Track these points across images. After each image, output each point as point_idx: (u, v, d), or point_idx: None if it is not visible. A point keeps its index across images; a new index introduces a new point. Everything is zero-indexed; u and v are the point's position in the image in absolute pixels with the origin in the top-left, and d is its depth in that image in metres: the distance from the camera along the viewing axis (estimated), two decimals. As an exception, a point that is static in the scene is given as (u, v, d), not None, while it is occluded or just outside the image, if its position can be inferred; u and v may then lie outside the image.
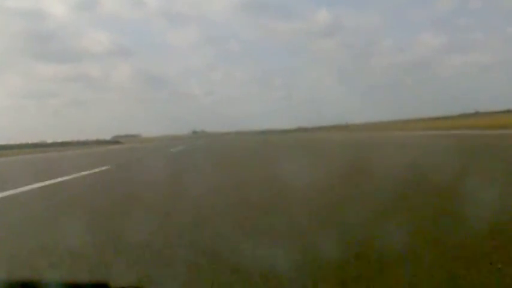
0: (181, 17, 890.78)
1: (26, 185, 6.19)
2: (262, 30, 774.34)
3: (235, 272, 1.90)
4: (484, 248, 2.09)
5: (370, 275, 1.82)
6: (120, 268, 2.10)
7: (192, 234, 2.68)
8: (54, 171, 10.11)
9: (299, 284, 1.77)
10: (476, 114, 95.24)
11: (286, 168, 7.55)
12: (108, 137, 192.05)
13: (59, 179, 7.07)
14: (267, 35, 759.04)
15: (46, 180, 6.86)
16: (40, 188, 5.90)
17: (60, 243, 2.65)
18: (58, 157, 22.46)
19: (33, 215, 3.83)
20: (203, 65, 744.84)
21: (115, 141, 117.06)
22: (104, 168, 9.63)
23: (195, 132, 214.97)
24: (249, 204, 3.77)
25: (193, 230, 2.78)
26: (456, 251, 2.07)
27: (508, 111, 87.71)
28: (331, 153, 12.55)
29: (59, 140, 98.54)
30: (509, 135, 14.74)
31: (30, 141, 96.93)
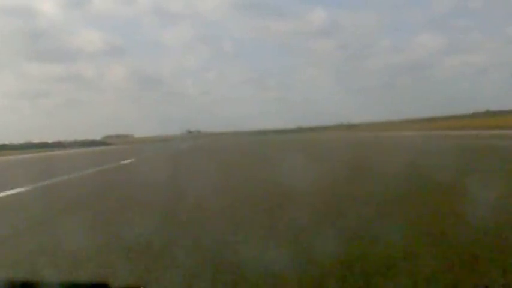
0: (174, 15, 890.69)
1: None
2: (257, 28, 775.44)
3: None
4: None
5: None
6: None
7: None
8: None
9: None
10: (487, 113, 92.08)
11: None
12: (98, 137, 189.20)
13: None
14: (262, 33, 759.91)
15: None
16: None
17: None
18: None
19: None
20: (197, 64, 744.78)
21: (102, 142, 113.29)
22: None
23: (189, 132, 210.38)
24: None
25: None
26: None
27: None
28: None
29: (44, 140, 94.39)
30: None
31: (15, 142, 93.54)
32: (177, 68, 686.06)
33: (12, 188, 7.48)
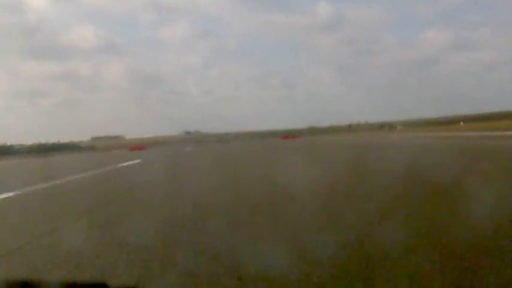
0: (173, 10, 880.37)
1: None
2: (260, 23, 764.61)
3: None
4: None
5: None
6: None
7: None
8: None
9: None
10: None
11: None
12: (86, 138, 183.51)
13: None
14: (265, 28, 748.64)
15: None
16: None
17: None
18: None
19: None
20: (198, 61, 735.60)
21: (76, 146, 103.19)
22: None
23: (188, 133, 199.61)
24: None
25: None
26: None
27: None
28: None
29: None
30: None
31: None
32: (177, 65, 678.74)
33: None
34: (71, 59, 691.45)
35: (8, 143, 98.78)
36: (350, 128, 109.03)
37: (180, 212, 5.43)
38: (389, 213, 4.48)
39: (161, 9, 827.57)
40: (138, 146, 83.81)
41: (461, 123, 62.45)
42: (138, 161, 22.66)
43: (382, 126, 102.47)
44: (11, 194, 9.10)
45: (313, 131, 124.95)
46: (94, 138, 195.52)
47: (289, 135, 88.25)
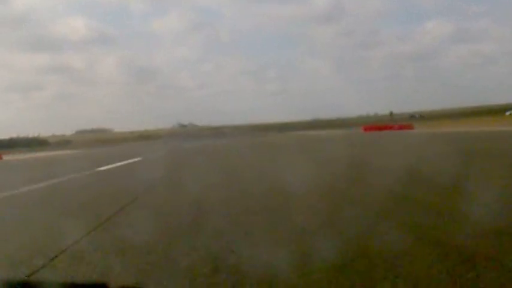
0: (166, 0, 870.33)
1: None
2: (256, 15, 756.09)
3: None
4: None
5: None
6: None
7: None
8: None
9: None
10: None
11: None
12: (72, 131, 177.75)
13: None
14: (261, 20, 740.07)
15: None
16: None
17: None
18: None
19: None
20: (192, 54, 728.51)
21: (42, 141, 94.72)
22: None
23: (182, 126, 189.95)
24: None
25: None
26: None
27: None
28: None
29: None
30: None
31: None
32: (171, 58, 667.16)
33: None
34: (62, 52, 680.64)
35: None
36: (392, 118, 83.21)
37: None
38: None
39: (154, 0, 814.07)
40: None
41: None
42: None
43: (411, 117, 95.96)
44: None
45: (320, 124, 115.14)
46: (79, 132, 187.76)
47: (386, 125, 46.15)
